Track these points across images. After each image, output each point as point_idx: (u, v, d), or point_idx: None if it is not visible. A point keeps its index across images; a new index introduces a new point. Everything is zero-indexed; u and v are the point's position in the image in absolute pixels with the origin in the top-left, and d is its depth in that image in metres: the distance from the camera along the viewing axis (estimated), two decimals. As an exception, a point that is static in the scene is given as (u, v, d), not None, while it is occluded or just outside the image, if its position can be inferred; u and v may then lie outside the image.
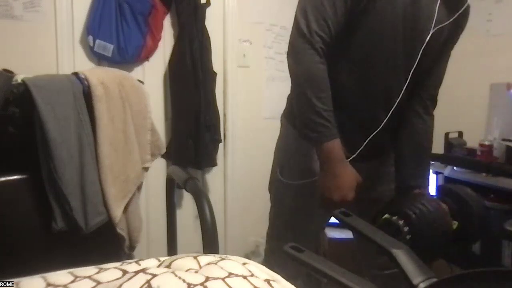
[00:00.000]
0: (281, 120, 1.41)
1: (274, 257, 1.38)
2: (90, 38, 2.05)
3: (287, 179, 1.33)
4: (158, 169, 2.21)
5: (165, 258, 0.43)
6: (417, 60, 1.20)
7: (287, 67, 1.20)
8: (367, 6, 1.13)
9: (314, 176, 1.24)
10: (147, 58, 2.26)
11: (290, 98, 1.36)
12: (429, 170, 1.38)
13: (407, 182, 1.31)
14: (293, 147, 1.32)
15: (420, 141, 1.34)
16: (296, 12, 1.17)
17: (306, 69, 1.14)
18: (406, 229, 1.08)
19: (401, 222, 1.08)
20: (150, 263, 0.41)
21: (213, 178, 2.55)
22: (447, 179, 2.04)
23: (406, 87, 1.23)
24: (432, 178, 1.49)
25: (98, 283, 0.36)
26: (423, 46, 1.18)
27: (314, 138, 1.16)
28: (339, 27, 1.14)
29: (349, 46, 1.20)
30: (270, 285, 0.39)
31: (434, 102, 1.35)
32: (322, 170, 1.18)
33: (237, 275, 0.39)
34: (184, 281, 0.36)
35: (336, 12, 1.12)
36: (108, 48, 2.08)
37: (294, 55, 1.17)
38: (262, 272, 0.42)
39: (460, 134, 2.26)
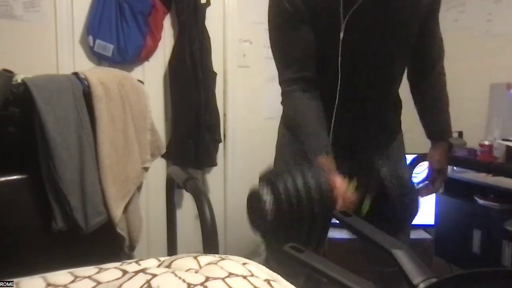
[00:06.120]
0: (279, 128, 1.40)
1: (273, 256, 1.37)
2: (90, 38, 2.05)
3: None
4: (158, 169, 2.21)
5: (165, 258, 0.43)
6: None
7: None
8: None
9: None
10: (147, 58, 2.26)
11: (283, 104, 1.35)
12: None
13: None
14: (288, 154, 1.32)
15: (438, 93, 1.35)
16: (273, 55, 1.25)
17: (293, 112, 1.21)
18: (269, 200, 0.91)
19: (266, 191, 0.91)
20: (150, 263, 0.41)
21: (213, 178, 2.55)
22: (447, 179, 2.03)
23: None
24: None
25: (98, 283, 0.36)
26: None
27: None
28: (311, 57, 1.17)
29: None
30: (270, 285, 0.39)
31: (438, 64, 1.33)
32: None
33: (237, 275, 0.39)
34: (184, 281, 0.36)
35: (300, 48, 1.17)
36: (108, 48, 2.08)
37: (283, 99, 1.25)
38: (262, 272, 0.42)
39: (460, 134, 2.26)
